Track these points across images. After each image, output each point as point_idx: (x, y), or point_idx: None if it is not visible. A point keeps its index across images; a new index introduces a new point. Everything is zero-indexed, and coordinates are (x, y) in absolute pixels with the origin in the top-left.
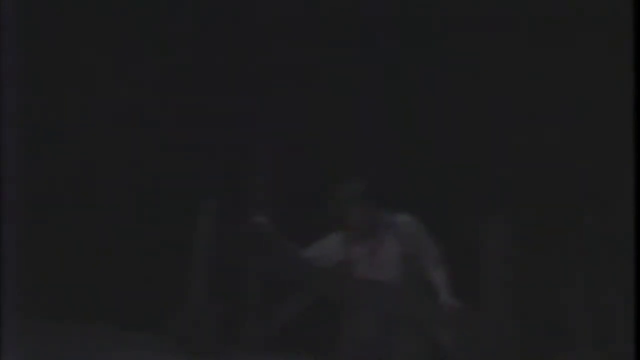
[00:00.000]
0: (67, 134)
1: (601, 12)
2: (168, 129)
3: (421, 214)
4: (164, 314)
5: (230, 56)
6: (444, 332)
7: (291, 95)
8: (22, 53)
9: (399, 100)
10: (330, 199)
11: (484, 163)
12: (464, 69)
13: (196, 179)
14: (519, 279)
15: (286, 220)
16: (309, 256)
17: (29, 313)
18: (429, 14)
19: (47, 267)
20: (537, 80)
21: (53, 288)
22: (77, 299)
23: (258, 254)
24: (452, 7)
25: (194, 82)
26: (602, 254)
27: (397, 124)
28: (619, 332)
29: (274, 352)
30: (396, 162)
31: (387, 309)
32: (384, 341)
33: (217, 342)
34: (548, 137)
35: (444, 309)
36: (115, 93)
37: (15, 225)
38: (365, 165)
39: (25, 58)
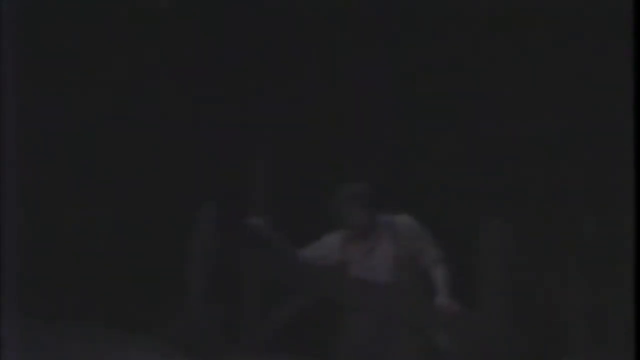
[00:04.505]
0: (67, 135)
1: (601, 12)
2: (167, 131)
3: (421, 214)
4: (163, 316)
5: (230, 56)
6: (442, 334)
7: (291, 97)
8: (22, 53)
9: (398, 101)
10: (331, 199)
11: (483, 163)
12: (465, 69)
13: (195, 181)
14: (518, 280)
15: (285, 222)
16: (307, 256)
17: (29, 313)
18: (430, 15)
19: (46, 267)
20: (538, 81)
21: (53, 289)
22: (76, 301)
23: (256, 256)
24: (453, 7)
25: (194, 83)
26: (602, 255)
27: (397, 125)
28: (619, 333)
29: (273, 353)
30: (396, 162)
31: (384, 310)
32: (382, 342)
33: (216, 344)
34: (548, 137)
35: (442, 310)
36: (115, 94)
37: (16, 225)
38: (364, 165)
39: (25, 58)
